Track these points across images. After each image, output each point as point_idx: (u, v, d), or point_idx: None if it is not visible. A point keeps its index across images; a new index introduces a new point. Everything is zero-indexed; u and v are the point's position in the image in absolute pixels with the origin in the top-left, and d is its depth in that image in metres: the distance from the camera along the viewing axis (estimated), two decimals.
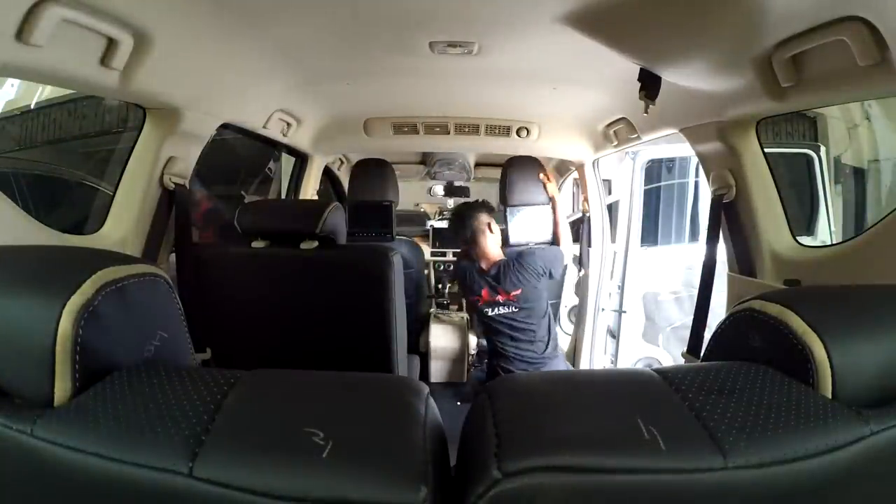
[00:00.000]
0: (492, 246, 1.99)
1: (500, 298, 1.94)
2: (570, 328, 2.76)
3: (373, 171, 2.23)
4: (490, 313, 1.97)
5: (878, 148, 3.35)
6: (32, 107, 3.29)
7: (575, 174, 2.47)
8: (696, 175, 2.96)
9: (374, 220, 2.21)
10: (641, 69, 1.17)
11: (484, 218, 1.99)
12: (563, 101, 1.74)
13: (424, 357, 2.41)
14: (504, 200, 2.16)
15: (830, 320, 0.45)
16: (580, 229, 2.44)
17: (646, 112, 1.22)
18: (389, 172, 2.22)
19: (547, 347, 2.00)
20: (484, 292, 1.97)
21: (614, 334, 2.58)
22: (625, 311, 2.52)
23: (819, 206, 2.83)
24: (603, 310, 2.45)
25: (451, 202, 3.41)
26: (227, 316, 1.41)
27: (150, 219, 1.24)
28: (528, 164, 2.14)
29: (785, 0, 0.76)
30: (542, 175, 2.15)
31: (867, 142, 3.38)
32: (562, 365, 2.11)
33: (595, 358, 2.47)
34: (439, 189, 3.26)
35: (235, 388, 0.43)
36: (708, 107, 1.19)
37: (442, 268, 3.05)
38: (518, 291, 1.93)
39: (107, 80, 0.94)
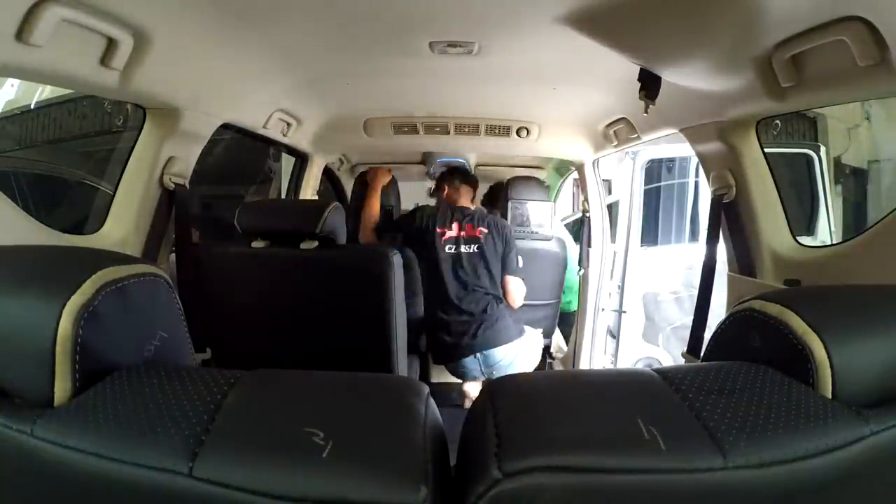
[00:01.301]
0: (466, 198, 2.11)
1: (464, 235, 1.97)
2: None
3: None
4: (450, 250, 1.98)
5: (878, 148, 3.35)
6: (32, 107, 3.29)
7: (575, 174, 2.48)
8: (696, 175, 2.95)
9: None
10: (641, 69, 1.17)
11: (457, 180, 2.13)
12: (563, 101, 1.73)
13: (424, 357, 2.41)
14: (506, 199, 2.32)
15: (830, 320, 0.45)
16: (580, 230, 2.45)
17: (646, 112, 1.22)
18: (392, 181, 2.28)
19: (493, 304, 1.99)
20: (455, 226, 1.98)
21: (614, 334, 2.57)
22: (625, 311, 2.51)
23: (819, 206, 2.82)
24: (603, 310, 2.44)
25: None
26: (227, 316, 1.41)
27: (150, 219, 1.24)
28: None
29: (785, 0, 0.76)
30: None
31: (867, 142, 3.37)
32: (506, 318, 2.03)
33: (595, 358, 2.46)
34: None
35: (235, 388, 0.43)
36: (708, 107, 1.18)
37: None
38: (486, 230, 1.97)
39: (107, 80, 0.94)
